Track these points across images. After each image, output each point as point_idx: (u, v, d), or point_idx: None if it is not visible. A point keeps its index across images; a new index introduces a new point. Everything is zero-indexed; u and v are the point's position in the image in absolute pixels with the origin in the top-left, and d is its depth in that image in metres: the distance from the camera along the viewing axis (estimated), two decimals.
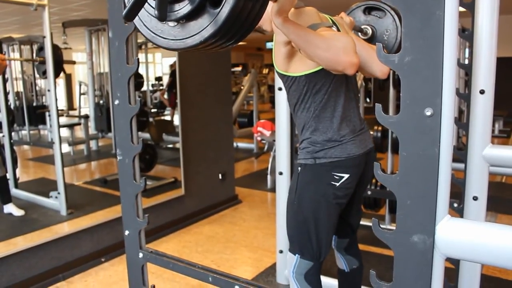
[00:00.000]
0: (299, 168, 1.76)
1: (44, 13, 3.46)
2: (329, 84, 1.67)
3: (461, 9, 0.95)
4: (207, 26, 0.93)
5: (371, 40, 2.03)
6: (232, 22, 0.92)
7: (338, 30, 1.71)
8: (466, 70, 2.26)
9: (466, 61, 5.39)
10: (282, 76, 1.75)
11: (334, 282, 2.22)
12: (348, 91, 1.75)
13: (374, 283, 1.04)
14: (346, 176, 1.70)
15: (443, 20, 0.86)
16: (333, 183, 1.70)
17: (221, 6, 0.90)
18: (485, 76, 1.95)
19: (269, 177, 5.44)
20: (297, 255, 1.80)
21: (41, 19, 3.49)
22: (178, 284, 2.99)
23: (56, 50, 4.34)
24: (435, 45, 0.88)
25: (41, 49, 4.35)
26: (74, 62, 6.99)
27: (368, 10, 2.05)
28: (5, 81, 4.52)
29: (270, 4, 1.33)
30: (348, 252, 2.05)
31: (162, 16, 0.93)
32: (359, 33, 2.04)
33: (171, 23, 0.98)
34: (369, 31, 2.04)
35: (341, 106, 1.71)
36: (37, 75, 7.44)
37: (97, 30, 6.92)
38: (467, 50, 5.85)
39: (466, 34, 2.13)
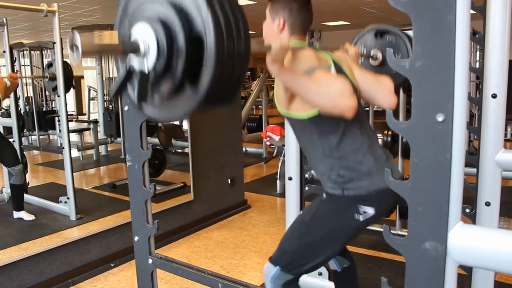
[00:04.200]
0: (324, 195, 1.70)
1: (54, 19, 3.49)
2: (342, 125, 1.63)
3: (472, 12, 0.94)
4: (188, 101, 0.97)
5: (382, 65, 2.03)
6: (212, 96, 0.95)
7: (339, 68, 1.69)
8: (477, 74, 2.23)
9: (477, 65, 5.34)
10: (286, 117, 1.73)
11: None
12: (361, 123, 1.70)
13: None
14: (371, 211, 1.63)
15: (455, 25, 0.85)
16: (356, 218, 1.64)
17: (199, 84, 0.93)
18: (497, 80, 1.92)
19: (278, 182, 5.42)
20: (277, 267, 1.75)
21: (51, 25, 3.52)
22: None
23: (66, 66, 4.40)
24: (447, 50, 0.86)
25: (50, 65, 4.39)
26: (81, 78, 7.09)
27: (379, 34, 2.06)
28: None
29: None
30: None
31: (141, 100, 0.99)
32: (370, 59, 2.05)
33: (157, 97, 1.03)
34: (379, 56, 2.05)
35: (359, 142, 1.66)
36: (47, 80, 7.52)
37: None
38: (478, 54, 5.80)
39: (477, 37, 2.11)
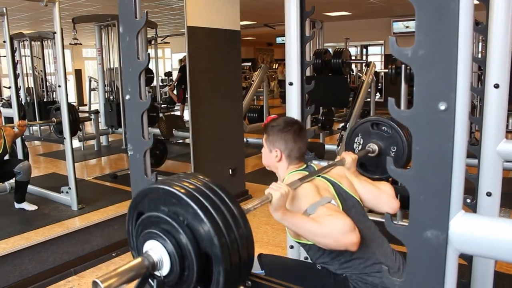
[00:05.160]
0: (343, 276, 1.66)
1: (55, 9, 3.48)
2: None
3: (475, 1, 0.93)
4: None
5: (379, 156, 2.15)
6: None
7: (339, 188, 1.70)
8: (480, 64, 2.23)
9: (480, 55, 5.32)
10: (296, 241, 1.74)
11: None
12: (367, 238, 1.65)
13: (386, 278, 1.03)
14: None
15: (458, 13, 0.85)
16: None
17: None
18: (499, 70, 1.91)
19: None
20: (263, 271, 1.79)
21: (51, 15, 3.51)
22: None
23: (71, 108, 4.52)
24: (450, 38, 0.86)
25: (57, 109, 4.45)
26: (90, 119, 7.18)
27: (376, 125, 2.20)
28: (16, 77, 4.55)
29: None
30: None
31: None
32: (368, 154, 2.17)
33: None
34: (376, 148, 2.17)
35: (370, 254, 1.64)
36: (47, 71, 7.50)
37: (107, 26, 6.94)
38: (480, 44, 5.78)
39: (480, 27, 2.10)
